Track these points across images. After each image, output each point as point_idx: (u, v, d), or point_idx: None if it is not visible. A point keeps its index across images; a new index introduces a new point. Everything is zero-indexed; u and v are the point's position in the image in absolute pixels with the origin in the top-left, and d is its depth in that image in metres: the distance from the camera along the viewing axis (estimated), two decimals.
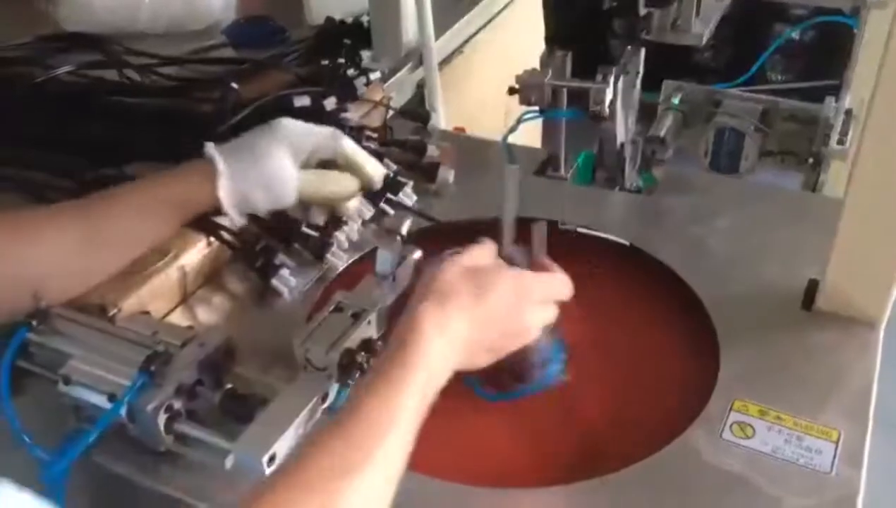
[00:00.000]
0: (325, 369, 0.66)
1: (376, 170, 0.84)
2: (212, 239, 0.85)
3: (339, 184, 0.80)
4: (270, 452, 0.60)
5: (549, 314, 0.68)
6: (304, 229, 0.86)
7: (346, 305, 0.70)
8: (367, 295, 0.72)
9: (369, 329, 0.70)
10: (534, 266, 0.71)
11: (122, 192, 0.76)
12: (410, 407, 0.56)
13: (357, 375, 0.66)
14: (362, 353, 0.67)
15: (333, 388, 0.66)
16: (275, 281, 0.84)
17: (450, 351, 0.60)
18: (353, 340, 0.67)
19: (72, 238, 0.73)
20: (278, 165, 0.76)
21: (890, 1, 0.70)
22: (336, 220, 0.90)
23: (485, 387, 0.74)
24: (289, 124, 0.78)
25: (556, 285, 0.69)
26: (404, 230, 0.79)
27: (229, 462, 0.62)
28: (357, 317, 0.69)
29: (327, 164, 0.83)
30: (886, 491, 1.38)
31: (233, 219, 0.76)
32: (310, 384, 0.66)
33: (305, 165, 0.79)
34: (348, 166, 0.81)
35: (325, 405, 0.66)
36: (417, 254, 0.76)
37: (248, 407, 0.65)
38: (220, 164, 0.74)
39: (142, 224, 0.75)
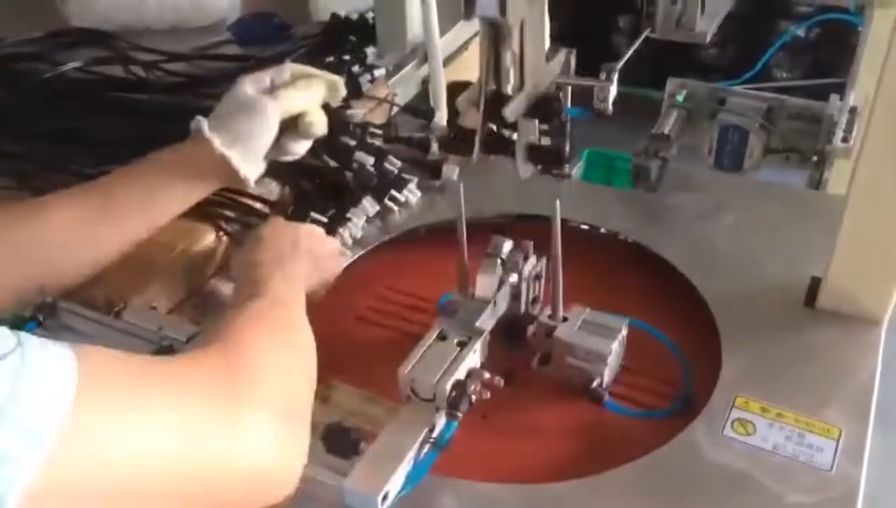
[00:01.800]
0: (432, 399, 0.65)
1: (333, 76, 0.86)
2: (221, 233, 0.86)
3: (308, 91, 0.82)
4: (385, 490, 0.59)
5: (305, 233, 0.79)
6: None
7: (451, 333, 0.69)
8: (470, 322, 0.71)
9: (475, 357, 0.69)
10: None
11: (130, 167, 0.78)
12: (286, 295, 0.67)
13: (466, 407, 0.64)
14: (472, 385, 0.65)
15: (440, 420, 0.65)
16: None
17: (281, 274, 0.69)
18: (461, 370, 0.66)
19: (79, 211, 0.73)
20: (245, 94, 0.78)
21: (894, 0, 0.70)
22: (340, 218, 0.91)
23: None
24: (241, 80, 0.81)
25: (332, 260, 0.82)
26: (504, 252, 0.77)
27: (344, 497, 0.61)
28: (463, 346, 0.68)
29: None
30: (888, 489, 1.38)
31: (237, 166, 0.77)
32: (416, 416, 0.64)
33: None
34: (308, 80, 0.83)
35: (433, 437, 0.64)
36: (514, 279, 0.75)
37: None
38: (205, 123, 0.78)
39: (149, 193, 0.76)
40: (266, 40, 1.28)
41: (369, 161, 0.95)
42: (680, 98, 1.19)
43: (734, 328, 0.77)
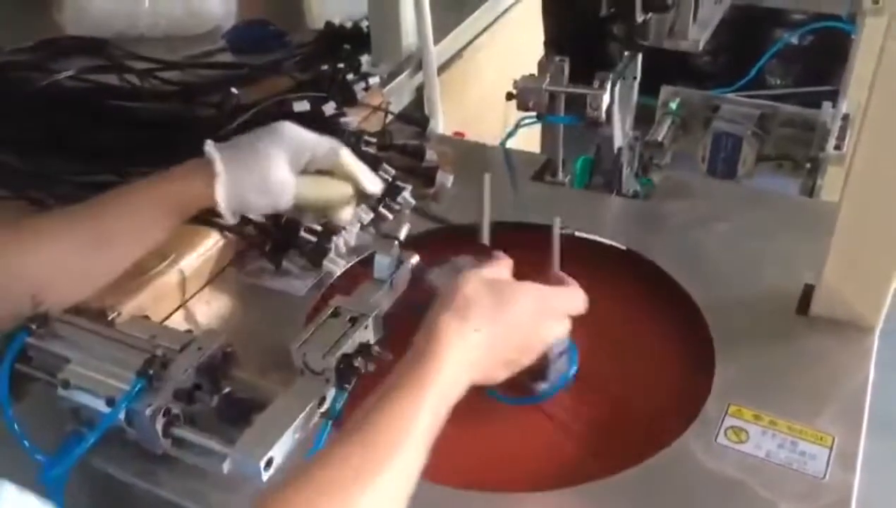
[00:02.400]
0: (322, 373, 0.67)
1: (374, 184, 0.83)
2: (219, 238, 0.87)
3: (335, 190, 0.80)
4: (267, 456, 0.60)
5: (564, 327, 0.70)
6: (303, 234, 0.86)
7: (344, 310, 0.71)
8: (365, 300, 0.73)
9: (366, 333, 0.70)
10: (551, 279, 0.72)
11: (120, 193, 0.76)
12: (425, 419, 0.57)
13: (355, 380, 0.66)
14: (359, 358, 0.67)
15: (331, 393, 0.66)
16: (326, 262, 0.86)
17: (467, 364, 0.61)
18: (350, 345, 0.68)
19: (73, 240, 0.73)
20: (276, 168, 0.75)
21: (885, 8, 0.71)
22: (335, 226, 0.91)
23: (504, 392, 0.73)
24: (289, 129, 0.78)
25: (574, 299, 0.70)
26: (402, 234, 0.79)
27: (227, 467, 0.62)
28: (354, 322, 0.70)
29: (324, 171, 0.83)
30: (882, 496, 1.38)
31: (227, 219, 0.76)
32: (307, 388, 0.66)
33: (303, 172, 0.79)
34: (346, 177, 0.81)
35: (323, 409, 0.66)
36: (415, 259, 0.77)
37: (245, 410, 0.66)
38: (219, 165, 0.74)
39: (141, 224, 0.75)
40: (261, 48, 1.28)
41: None
42: (673, 106, 1.20)
43: (728, 335, 0.77)
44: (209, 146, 0.75)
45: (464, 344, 0.60)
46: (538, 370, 0.73)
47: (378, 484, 0.53)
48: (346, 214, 0.82)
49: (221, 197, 0.74)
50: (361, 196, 0.83)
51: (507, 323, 0.64)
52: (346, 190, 0.81)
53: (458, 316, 0.61)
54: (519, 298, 0.65)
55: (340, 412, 0.65)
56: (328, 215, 0.82)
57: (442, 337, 0.60)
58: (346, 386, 0.66)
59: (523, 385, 0.73)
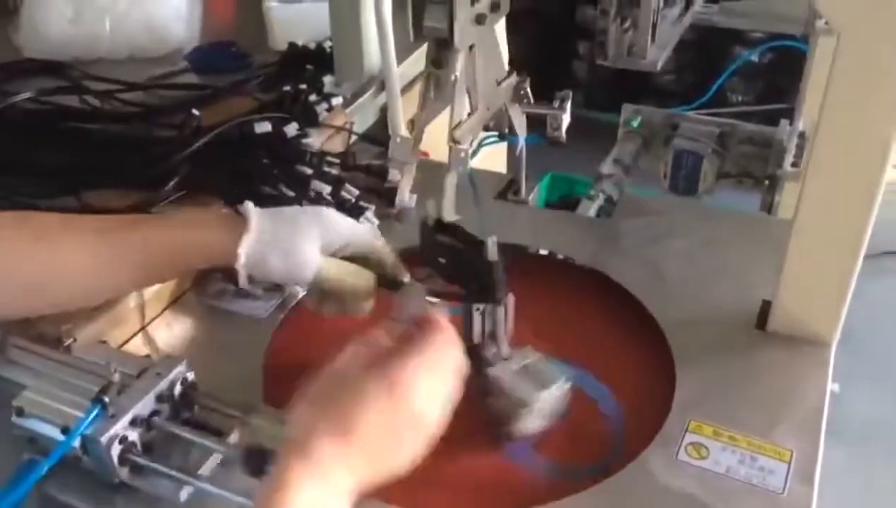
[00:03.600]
0: None
1: (402, 272, 0.76)
2: None
3: (358, 277, 0.74)
4: None
5: (447, 389, 0.60)
6: None
7: None
8: None
9: None
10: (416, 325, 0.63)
11: (145, 223, 0.74)
12: None
13: None
14: None
15: None
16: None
17: (335, 496, 0.53)
18: None
19: (90, 255, 0.70)
20: (307, 242, 0.71)
21: (836, 29, 0.72)
22: None
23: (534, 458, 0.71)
24: (333, 215, 0.75)
25: (443, 361, 0.60)
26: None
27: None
28: None
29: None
30: (851, 503, 1.41)
31: (241, 278, 0.71)
32: None
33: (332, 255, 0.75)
34: (377, 262, 0.75)
35: None
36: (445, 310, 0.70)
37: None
38: (254, 221, 0.71)
39: (155, 260, 0.71)
40: (223, 69, 1.27)
41: (326, 189, 0.95)
42: (635, 124, 1.21)
43: (688, 352, 0.78)
44: (248, 205, 0.72)
45: (322, 483, 0.52)
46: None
47: None
48: (367, 307, 0.75)
49: (245, 252, 0.70)
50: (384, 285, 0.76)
51: (361, 439, 0.54)
52: (370, 279, 0.74)
53: (301, 459, 0.52)
54: (362, 402, 0.55)
55: None
56: (347, 306, 0.75)
57: (288, 484, 0.51)
58: None
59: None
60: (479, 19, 0.61)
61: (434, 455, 0.59)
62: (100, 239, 0.70)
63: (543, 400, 0.71)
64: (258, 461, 0.59)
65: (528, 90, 0.96)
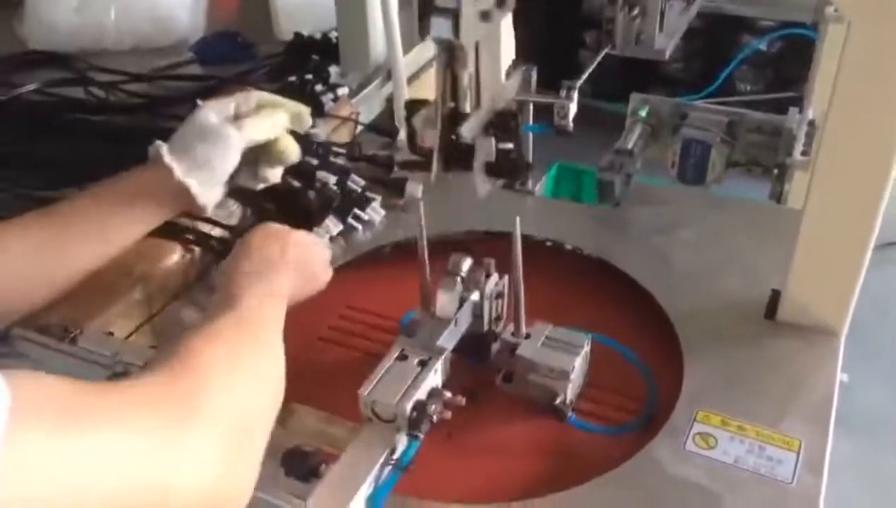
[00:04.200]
0: (393, 420, 0.64)
1: (299, 105, 0.85)
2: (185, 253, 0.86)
3: (274, 120, 0.81)
4: None
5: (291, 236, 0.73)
6: None
7: (411, 352, 0.69)
8: (431, 341, 0.71)
9: (436, 377, 0.68)
10: None
11: (82, 195, 0.76)
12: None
13: (427, 427, 0.65)
14: (433, 405, 0.65)
15: (402, 440, 0.64)
16: None
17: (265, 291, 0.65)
18: (422, 390, 0.66)
19: (34, 242, 0.71)
20: (206, 117, 0.78)
21: (846, 16, 0.71)
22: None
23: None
24: (203, 109, 0.80)
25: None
26: (464, 270, 0.76)
27: None
28: (424, 365, 0.68)
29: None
30: (856, 494, 1.40)
31: (196, 194, 0.76)
32: (376, 437, 0.64)
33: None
34: (274, 109, 0.83)
35: (395, 457, 0.64)
36: (475, 297, 0.75)
37: (315, 466, 0.64)
38: (160, 143, 0.77)
39: (104, 220, 0.75)
40: (229, 60, 1.27)
41: (332, 180, 0.95)
42: (643, 113, 1.20)
43: (696, 341, 0.77)
44: (151, 147, 0.78)
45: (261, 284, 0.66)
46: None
47: (270, 346, 0.61)
48: (293, 151, 0.83)
49: (172, 162, 0.75)
50: (296, 122, 0.84)
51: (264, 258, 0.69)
52: (283, 116, 0.82)
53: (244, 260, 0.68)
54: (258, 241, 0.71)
55: (410, 461, 0.64)
56: (279, 157, 0.82)
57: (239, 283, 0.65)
58: (419, 434, 0.64)
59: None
60: (485, 16, 0.60)
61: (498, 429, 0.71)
62: (43, 226, 0.72)
63: (578, 365, 0.73)
64: (300, 463, 0.61)
65: (535, 78, 0.96)
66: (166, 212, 0.79)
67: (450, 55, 0.65)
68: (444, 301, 0.73)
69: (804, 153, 1.09)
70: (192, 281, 0.89)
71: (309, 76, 1.11)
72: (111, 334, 0.77)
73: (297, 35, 1.27)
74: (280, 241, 0.71)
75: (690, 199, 1.03)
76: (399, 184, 1.01)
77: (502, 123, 0.70)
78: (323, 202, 0.94)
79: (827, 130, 0.68)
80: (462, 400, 0.67)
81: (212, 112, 0.78)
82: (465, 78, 0.67)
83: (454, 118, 0.68)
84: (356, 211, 0.96)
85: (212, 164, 0.77)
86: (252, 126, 0.79)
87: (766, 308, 0.80)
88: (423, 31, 0.61)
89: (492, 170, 0.72)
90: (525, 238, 0.92)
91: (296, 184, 0.93)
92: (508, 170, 0.72)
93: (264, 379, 0.60)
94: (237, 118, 0.80)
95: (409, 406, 0.64)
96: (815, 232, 0.72)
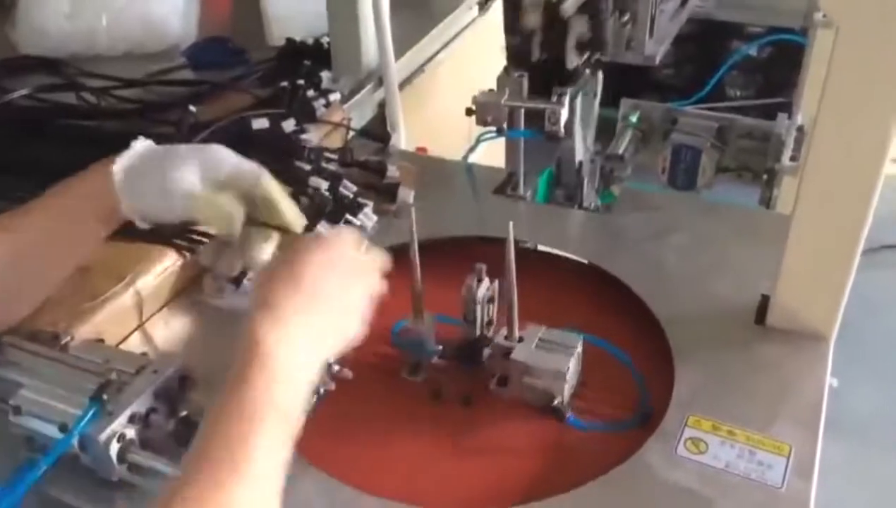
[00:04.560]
0: None
1: (297, 218, 0.73)
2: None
3: (228, 206, 0.70)
4: None
5: (371, 284, 0.67)
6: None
7: None
8: None
9: None
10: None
11: (35, 204, 0.72)
12: (266, 436, 0.54)
13: (314, 399, 0.65)
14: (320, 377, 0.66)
15: None
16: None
17: (295, 351, 0.59)
18: None
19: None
20: (182, 169, 0.69)
21: (835, 21, 0.72)
22: None
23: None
24: (214, 148, 0.73)
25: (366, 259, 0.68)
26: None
27: None
28: None
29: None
30: (847, 498, 1.41)
31: (132, 217, 0.71)
32: None
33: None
34: (267, 207, 0.72)
35: None
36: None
37: None
38: (119, 162, 0.71)
39: (59, 231, 0.71)
40: (220, 65, 1.27)
41: (324, 185, 0.95)
42: (633, 118, 1.21)
43: (686, 346, 0.77)
44: (134, 142, 0.73)
45: (287, 341, 0.59)
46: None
47: (241, 484, 0.51)
48: (263, 254, 0.72)
49: (116, 170, 0.70)
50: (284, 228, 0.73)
51: (308, 289, 0.62)
52: (236, 212, 0.70)
53: (269, 309, 0.60)
54: (306, 263, 0.63)
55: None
56: (247, 254, 0.72)
57: (261, 341, 0.58)
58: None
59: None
60: None
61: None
62: (4, 243, 0.69)
63: (572, 366, 0.74)
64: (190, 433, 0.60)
65: (526, 85, 0.96)
66: (116, 223, 0.74)
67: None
68: None
69: (793, 158, 1.10)
70: (184, 287, 0.89)
71: (301, 81, 1.11)
72: (102, 341, 0.77)
73: (289, 40, 1.27)
74: (339, 273, 0.64)
75: (681, 205, 1.03)
76: (391, 189, 1.01)
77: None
78: (315, 208, 0.93)
79: (816, 135, 0.68)
80: (349, 374, 0.66)
81: (194, 166, 0.70)
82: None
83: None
84: (348, 216, 0.96)
85: (149, 210, 0.71)
86: (207, 200, 0.70)
87: (755, 313, 0.80)
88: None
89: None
90: (517, 243, 0.93)
91: (288, 189, 0.93)
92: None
93: None
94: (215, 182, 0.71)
95: None
96: (805, 237, 0.73)
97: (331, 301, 0.63)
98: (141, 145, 0.72)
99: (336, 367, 0.69)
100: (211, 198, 0.70)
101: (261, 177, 0.71)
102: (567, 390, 0.74)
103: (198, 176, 0.70)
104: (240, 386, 0.56)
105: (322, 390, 0.67)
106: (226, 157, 0.72)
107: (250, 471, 0.52)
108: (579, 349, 0.75)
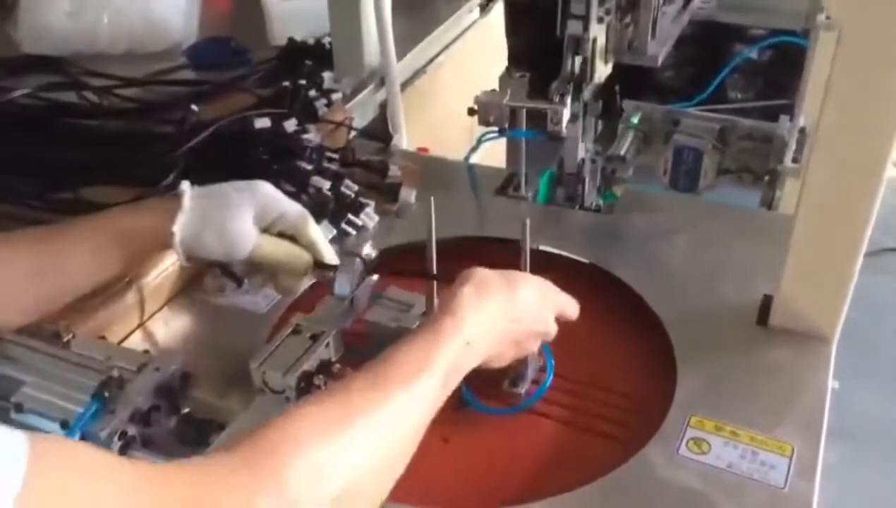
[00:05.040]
0: (282, 392, 0.66)
1: (332, 256, 0.78)
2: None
3: (294, 254, 0.76)
4: None
5: (554, 324, 0.73)
6: None
7: (305, 327, 0.70)
8: (326, 318, 0.72)
9: (327, 351, 0.69)
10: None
11: (77, 224, 0.74)
12: (440, 366, 0.59)
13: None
14: (320, 376, 0.66)
15: None
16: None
17: (484, 333, 0.64)
18: (310, 363, 0.67)
19: (24, 269, 0.71)
20: (240, 217, 0.73)
21: (837, 23, 0.72)
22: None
23: (483, 402, 0.74)
24: (264, 186, 0.76)
25: (570, 300, 0.75)
26: (364, 252, 0.79)
27: None
28: (315, 339, 0.69)
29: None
30: (848, 499, 1.40)
31: (180, 259, 0.73)
32: (266, 407, 0.65)
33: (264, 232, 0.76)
34: (307, 245, 0.77)
35: None
36: (375, 278, 0.76)
37: (204, 432, 0.65)
38: (186, 201, 0.72)
39: (93, 253, 0.73)
40: (222, 65, 1.27)
41: (326, 185, 0.95)
42: (635, 120, 1.21)
43: (689, 347, 0.77)
44: (184, 184, 0.74)
45: (481, 315, 0.64)
46: (515, 374, 0.74)
47: (379, 416, 0.55)
48: (299, 285, 0.79)
49: (179, 230, 0.71)
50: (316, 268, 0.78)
51: (517, 301, 0.68)
52: (305, 257, 0.77)
53: (477, 291, 0.65)
54: (526, 283, 0.70)
55: None
56: (280, 282, 0.78)
57: (463, 304, 0.63)
58: None
59: (499, 393, 0.74)
60: (601, 20, 0.89)
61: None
62: (39, 245, 0.71)
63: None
64: (192, 431, 0.64)
65: (527, 86, 0.97)
66: (159, 251, 0.78)
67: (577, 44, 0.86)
68: (342, 280, 0.73)
69: (795, 160, 1.10)
70: (185, 285, 0.89)
71: (302, 81, 1.10)
72: (104, 338, 0.77)
73: (291, 40, 1.27)
74: (548, 313, 0.71)
75: (683, 206, 1.03)
76: (393, 189, 1.01)
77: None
78: (316, 207, 0.93)
79: (819, 136, 0.68)
80: (349, 373, 0.67)
81: (250, 212, 0.73)
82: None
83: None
84: (350, 216, 0.96)
85: (209, 250, 0.73)
86: (271, 248, 0.75)
87: (758, 314, 0.80)
88: (562, 29, 0.85)
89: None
90: (517, 244, 0.92)
91: (289, 188, 0.93)
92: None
93: (378, 440, 0.55)
94: (268, 227, 0.75)
95: (296, 376, 0.65)
96: (807, 238, 0.73)
97: (524, 319, 0.69)
98: (187, 194, 0.73)
99: (337, 367, 0.68)
100: (279, 245, 0.76)
101: (308, 221, 0.77)
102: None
103: (251, 221, 0.74)
104: (429, 329, 0.62)
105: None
106: (275, 199, 0.76)
107: (416, 386, 0.57)
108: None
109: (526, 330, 0.69)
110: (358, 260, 0.76)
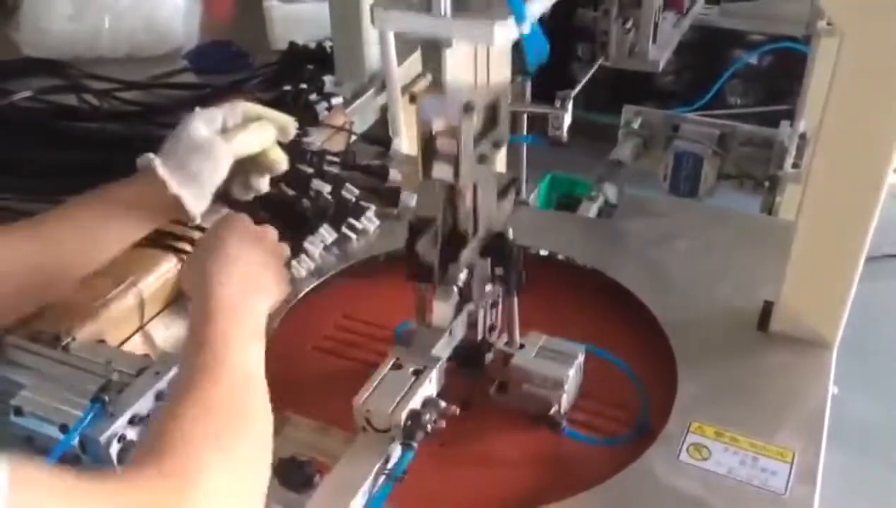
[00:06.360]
0: (387, 430, 0.64)
1: (284, 117, 0.84)
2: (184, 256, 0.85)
3: (262, 133, 0.81)
4: None
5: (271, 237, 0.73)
6: None
7: (406, 362, 0.68)
8: (426, 351, 0.70)
9: (430, 387, 0.68)
10: None
11: (73, 203, 0.76)
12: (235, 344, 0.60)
13: (421, 437, 0.64)
14: (427, 415, 0.64)
15: (396, 450, 0.64)
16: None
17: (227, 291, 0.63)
18: (417, 400, 0.66)
19: (24, 254, 0.71)
20: (196, 129, 0.77)
21: (838, 29, 0.72)
22: (297, 246, 0.90)
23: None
24: (196, 110, 0.80)
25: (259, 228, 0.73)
26: (461, 281, 0.74)
27: None
28: (419, 375, 0.67)
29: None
30: (849, 505, 1.40)
31: (188, 206, 0.75)
32: (370, 447, 0.64)
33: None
34: (261, 122, 0.82)
35: (389, 468, 0.63)
36: (471, 307, 0.75)
37: (309, 475, 0.63)
38: (152, 156, 0.76)
39: (94, 229, 0.74)
40: (223, 69, 1.27)
41: (326, 189, 0.95)
42: (635, 125, 1.21)
43: (689, 352, 0.77)
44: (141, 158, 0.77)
45: (219, 285, 0.63)
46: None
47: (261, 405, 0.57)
48: (281, 161, 0.82)
49: (165, 173, 0.74)
50: (281, 134, 0.83)
51: (226, 247, 0.67)
52: (270, 129, 0.82)
53: (203, 265, 0.65)
54: (225, 230, 0.69)
55: (404, 471, 0.63)
56: (269, 167, 0.82)
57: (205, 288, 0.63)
58: (413, 443, 0.63)
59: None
60: (482, 159, 0.63)
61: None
62: (35, 240, 0.72)
63: (572, 376, 0.73)
64: (295, 473, 0.61)
65: (529, 90, 0.97)
66: (157, 222, 0.79)
67: (450, 190, 0.67)
68: (441, 311, 0.73)
69: (795, 165, 1.10)
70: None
71: (303, 85, 1.11)
72: (103, 342, 0.77)
73: (292, 44, 1.27)
74: (258, 245, 0.70)
75: (684, 211, 1.03)
76: (393, 193, 1.01)
77: (497, 245, 0.72)
78: (317, 211, 0.93)
79: (820, 142, 0.68)
80: (457, 410, 0.67)
81: (202, 124, 0.78)
82: (462, 211, 0.68)
83: (453, 238, 0.70)
84: (350, 220, 0.96)
85: (203, 177, 0.76)
86: (242, 140, 0.78)
87: (758, 319, 0.80)
88: (427, 173, 0.63)
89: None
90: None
91: (290, 192, 0.93)
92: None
93: (259, 451, 0.56)
94: (225, 130, 0.79)
95: (403, 415, 0.64)
96: (808, 244, 0.73)
97: (250, 263, 0.68)
98: (148, 158, 0.76)
99: (443, 404, 0.67)
100: (250, 137, 0.79)
101: (238, 103, 0.81)
102: (565, 400, 0.74)
103: (204, 126, 0.77)
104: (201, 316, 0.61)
105: (430, 428, 0.65)
106: (212, 112, 0.79)
107: (219, 368, 0.57)
108: (580, 359, 0.75)
109: (253, 261, 0.68)
110: (455, 289, 0.73)
